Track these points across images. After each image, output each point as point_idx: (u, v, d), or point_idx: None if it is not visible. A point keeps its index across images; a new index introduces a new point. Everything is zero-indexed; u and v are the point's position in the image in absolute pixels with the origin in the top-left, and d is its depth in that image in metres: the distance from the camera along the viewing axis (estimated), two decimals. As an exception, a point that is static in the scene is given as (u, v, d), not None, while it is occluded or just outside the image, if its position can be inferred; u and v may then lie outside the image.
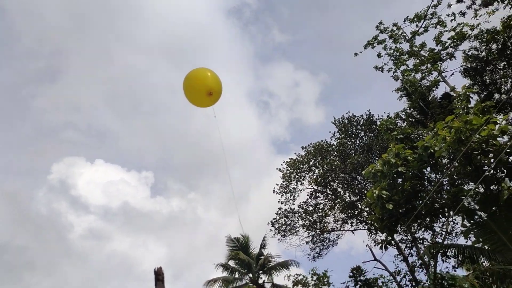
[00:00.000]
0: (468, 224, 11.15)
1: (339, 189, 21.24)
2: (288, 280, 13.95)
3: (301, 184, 21.54)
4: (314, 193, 21.29)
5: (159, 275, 7.07)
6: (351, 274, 11.49)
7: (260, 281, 25.51)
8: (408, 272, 20.38)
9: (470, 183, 12.45)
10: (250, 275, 25.66)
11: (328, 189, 21.10)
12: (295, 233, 21.54)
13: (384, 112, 23.27)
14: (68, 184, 53.08)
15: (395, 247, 20.54)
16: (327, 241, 21.74)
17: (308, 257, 21.80)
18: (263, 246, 26.32)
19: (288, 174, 21.40)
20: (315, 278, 11.84)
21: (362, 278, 11.47)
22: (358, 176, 20.14)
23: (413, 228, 18.81)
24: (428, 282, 10.81)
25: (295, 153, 21.77)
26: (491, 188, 11.42)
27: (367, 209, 18.89)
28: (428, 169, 11.29)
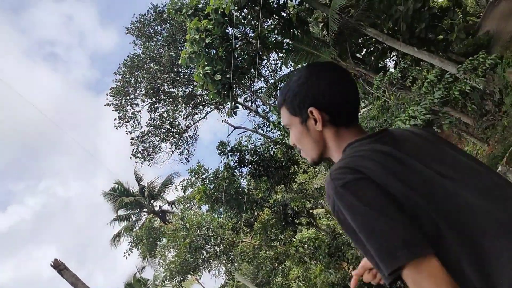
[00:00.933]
0: (281, 54, 12.47)
1: (171, 90, 21.32)
2: (178, 191, 14.48)
3: (136, 106, 20.98)
4: (152, 106, 21.06)
5: (58, 266, 6.76)
6: (218, 151, 12.38)
7: (157, 209, 25.99)
8: (263, 121, 22.61)
9: (268, 20, 13.56)
10: (145, 209, 25.84)
11: (162, 95, 21.02)
12: (159, 151, 21.68)
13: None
14: None
15: (244, 108, 22.28)
16: (189, 139, 22.49)
17: (182, 162, 22.53)
18: (139, 180, 26.15)
19: (119, 104, 20.51)
20: (193, 174, 12.51)
21: (228, 148, 12.47)
22: (180, 69, 20.25)
23: (247, 83, 20.33)
24: (276, 117, 12.26)
25: (112, 81, 20.53)
26: (283, 15, 12.63)
27: (205, 92, 19.55)
28: (229, 27, 11.84)
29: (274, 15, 12.18)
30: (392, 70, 12.73)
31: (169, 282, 15.49)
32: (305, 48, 11.21)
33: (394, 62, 13.14)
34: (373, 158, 1.02)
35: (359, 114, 1.28)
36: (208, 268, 15.33)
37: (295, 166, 13.37)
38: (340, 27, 10.62)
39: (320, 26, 16.94)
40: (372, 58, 12.95)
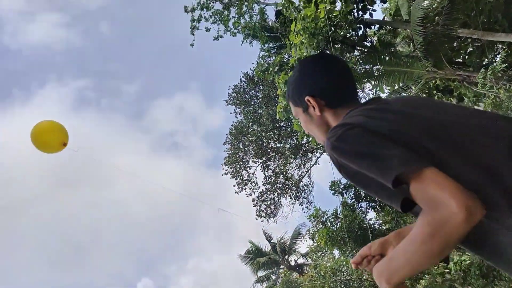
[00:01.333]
0: (374, 82, 12.27)
1: (278, 145, 22.03)
2: (307, 241, 14.50)
3: (250, 168, 22.00)
4: (264, 165, 21.88)
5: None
6: (332, 191, 12.35)
7: (293, 264, 25.99)
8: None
9: (352, 54, 13.60)
10: (282, 266, 26.01)
11: (270, 152, 21.79)
12: (280, 206, 22.09)
13: (253, 63, 24.39)
14: None
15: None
16: (305, 188, 22.60)
17: (304, 211, 22.50)
18: (269, 238, 26.68)
19: (234, 170, 21.73)
20: (313, 219, 12.56)
21: (341, 186, 12.39)
22: (280, 124, 20.99)
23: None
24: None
25: (224, 151, 22.07)
26: (367, 44, 12.61)
27: (309, 138, 19.79)
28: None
29: (357, 47, 12.22)
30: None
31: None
32: (396, 68, 10.94)
33: (500, 54, 12.03)
34: (361, 114, 1.13)
35: (356, 92, 1.41)
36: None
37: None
38: (427, 37, 10.23)
39: (409, 43, 16.42)
40: (473, 58, 12.05)
